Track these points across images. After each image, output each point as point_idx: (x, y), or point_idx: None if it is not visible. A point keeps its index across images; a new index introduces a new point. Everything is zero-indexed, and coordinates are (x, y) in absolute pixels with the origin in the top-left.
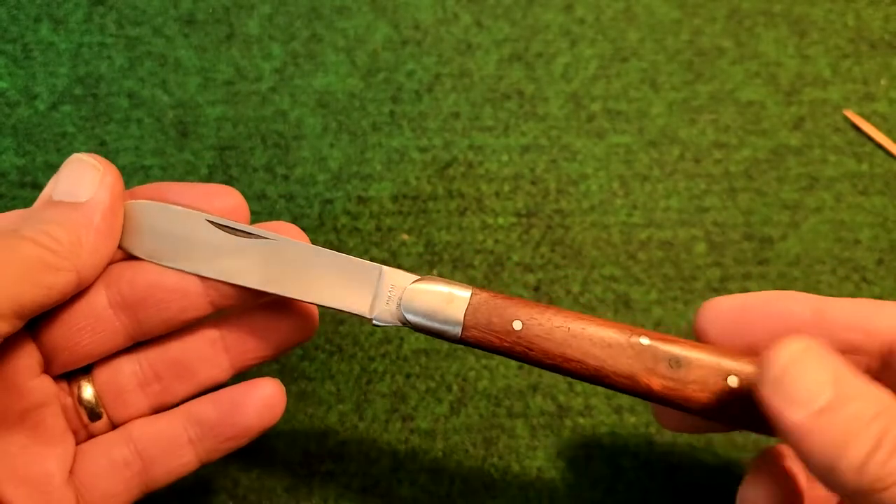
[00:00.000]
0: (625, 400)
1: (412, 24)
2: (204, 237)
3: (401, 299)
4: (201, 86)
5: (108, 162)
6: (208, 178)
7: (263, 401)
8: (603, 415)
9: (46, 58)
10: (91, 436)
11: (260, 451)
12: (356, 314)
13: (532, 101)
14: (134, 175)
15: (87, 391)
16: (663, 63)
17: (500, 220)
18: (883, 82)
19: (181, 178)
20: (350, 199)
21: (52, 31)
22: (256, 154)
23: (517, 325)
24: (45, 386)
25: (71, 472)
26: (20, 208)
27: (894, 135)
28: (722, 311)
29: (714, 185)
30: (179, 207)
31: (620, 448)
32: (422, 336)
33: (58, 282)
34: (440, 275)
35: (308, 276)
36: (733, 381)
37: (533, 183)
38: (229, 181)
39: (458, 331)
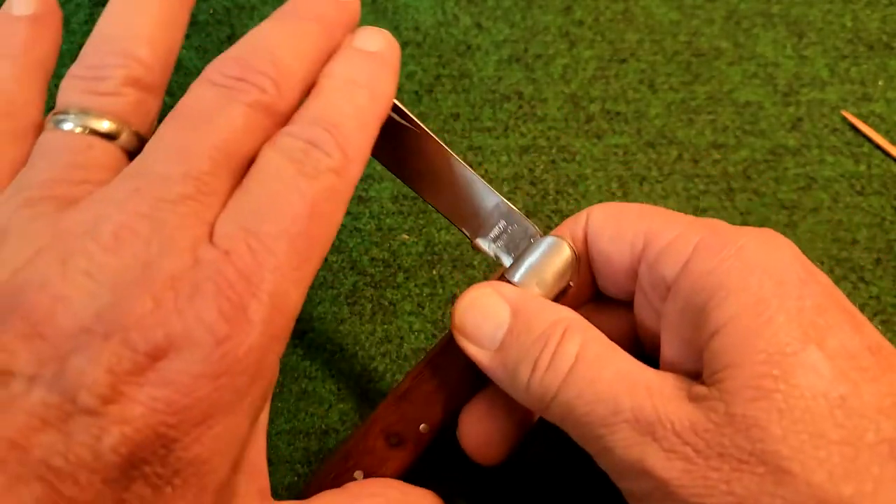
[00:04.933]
0: None
1: (412, 25)
2: None
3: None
4: None
5: None
6: None
7: None
8: None
9: None
10: None
11: None
12: (463, 231)
13: (531, 102)
14: None
15: None
16: (661, 64)
17: None
18: (880, 83)
19: None
20: (350, 199)
21: None
22: None
23: None
24: None
25: None
26: None
27: (892, 135)
28: None
29: (712, 185)
30: None
31: None
32: (422, 335)
33: None
34: (440, 276)
35: (439, 180)
36: None
37: (532, 184)
38: None
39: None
